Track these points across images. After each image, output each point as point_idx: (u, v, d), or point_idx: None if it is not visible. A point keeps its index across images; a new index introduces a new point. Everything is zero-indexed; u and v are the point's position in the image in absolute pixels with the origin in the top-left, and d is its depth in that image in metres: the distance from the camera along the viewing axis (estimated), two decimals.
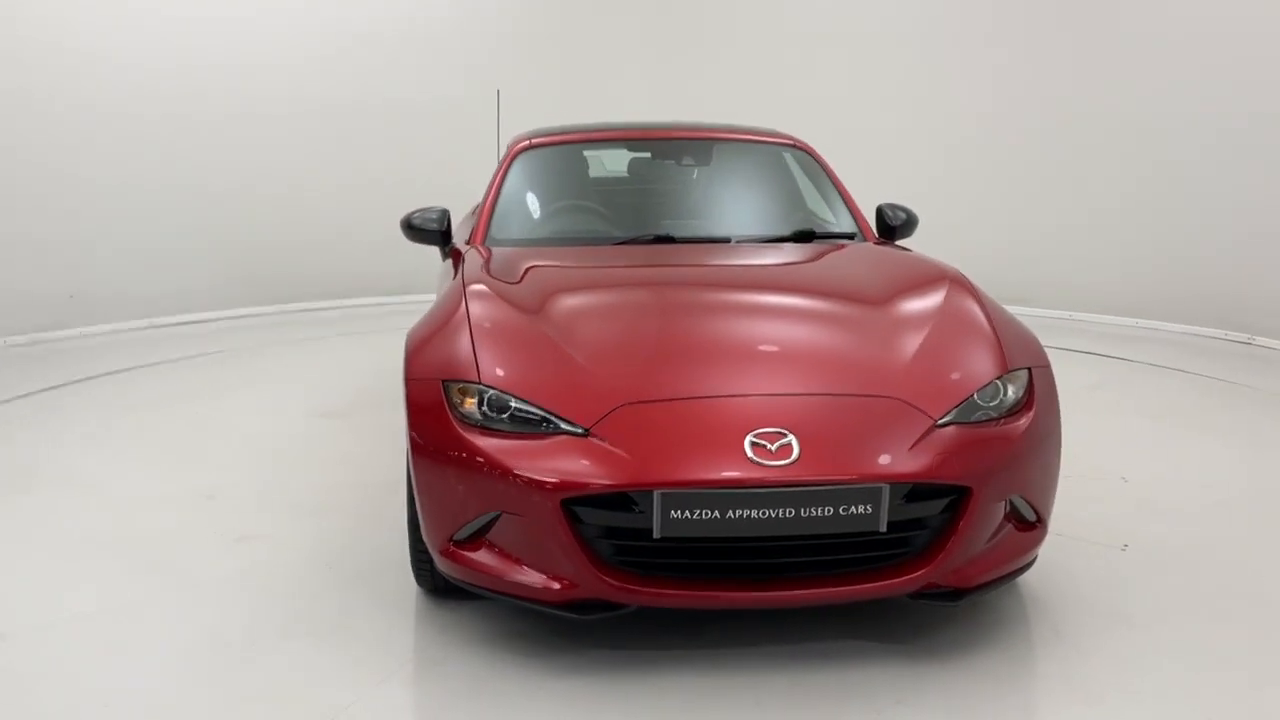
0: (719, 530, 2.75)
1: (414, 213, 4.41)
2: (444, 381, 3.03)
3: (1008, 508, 3.02)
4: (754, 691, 2.83)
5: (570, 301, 3.46)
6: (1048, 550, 3.56)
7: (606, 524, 2.80)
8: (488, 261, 3.87)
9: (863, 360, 3.14)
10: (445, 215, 4.39)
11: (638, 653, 3.01)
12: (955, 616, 3.21)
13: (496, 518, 2.87)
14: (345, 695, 2.80)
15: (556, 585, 2.83)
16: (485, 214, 4.38)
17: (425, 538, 3.06)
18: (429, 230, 4.36)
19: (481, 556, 2.92)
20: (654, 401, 2.93)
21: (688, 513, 2.73)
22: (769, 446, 2.77)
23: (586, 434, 2.82)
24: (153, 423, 5.34)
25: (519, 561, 2.88)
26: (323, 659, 2.99)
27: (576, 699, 2.80)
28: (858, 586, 2.86)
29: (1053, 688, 2.94)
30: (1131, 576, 3.56)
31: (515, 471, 2.79)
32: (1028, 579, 3.45)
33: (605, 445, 2.79)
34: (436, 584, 3.24)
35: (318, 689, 2.83)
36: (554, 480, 2.75)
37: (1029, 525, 3.10)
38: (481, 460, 2.84)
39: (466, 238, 4.34)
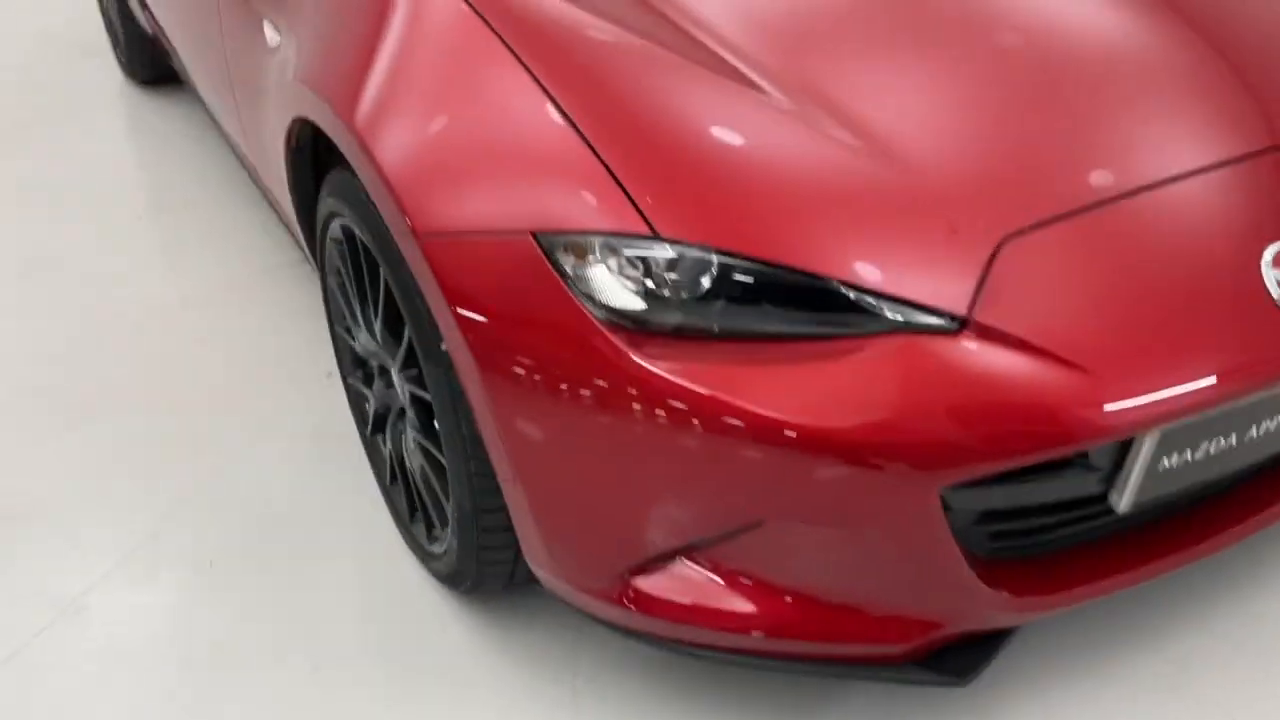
0: (1214, 469, 1.38)
1: None
2: (537, 235, 1.31)
3: None
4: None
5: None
6: None
7: (991, 506, 1.36)
8: None
9: None
10: None
11: None
12: None
13: (753, 526, 1.33)
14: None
15: (898, 633, 1.39)
16: None
17: (542, 564, 1.51)
18: None
19: (697, 593, 1.39)
20: (1065, 216, 1.34)
21: (1189, 454, 1.32)
22: None
23: (960, 328, 1.25)
24: None
25: (800, 598, 1.38)
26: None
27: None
28: None
29: None
30: None
31: (807, 429, 1.22)
32: None
33: (1009, 352, 1.23)
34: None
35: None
36: (922, 450, 1.22)
37: None
38: (707, 406, 1.24)
39: None
